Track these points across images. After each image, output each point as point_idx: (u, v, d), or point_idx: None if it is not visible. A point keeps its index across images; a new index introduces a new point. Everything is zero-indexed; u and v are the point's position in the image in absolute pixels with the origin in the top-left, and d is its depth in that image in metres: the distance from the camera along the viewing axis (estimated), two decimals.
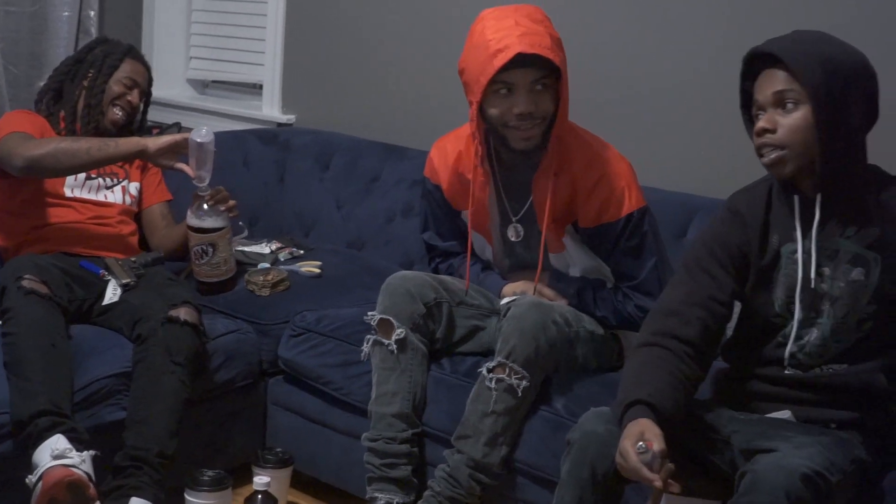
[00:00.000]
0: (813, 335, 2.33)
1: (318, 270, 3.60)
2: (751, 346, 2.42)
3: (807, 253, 2.30)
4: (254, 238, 3.88)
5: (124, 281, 3.16)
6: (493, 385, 2.69)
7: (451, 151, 2.99)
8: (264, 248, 3.75)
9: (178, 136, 3.20)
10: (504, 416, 2.70)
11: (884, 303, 2.28)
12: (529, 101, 2.72)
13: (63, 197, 3.33)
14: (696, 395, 2.39)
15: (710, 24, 3.38)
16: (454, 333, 2.98)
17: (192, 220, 3.30)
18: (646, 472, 2.08)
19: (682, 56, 3.44)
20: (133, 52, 3.56)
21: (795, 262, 2.31)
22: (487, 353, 2.94)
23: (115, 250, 3.32)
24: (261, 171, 4.21)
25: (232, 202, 3.33)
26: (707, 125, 3.35)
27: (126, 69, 3.48)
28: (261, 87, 4.71)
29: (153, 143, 3.16)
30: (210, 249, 3.30)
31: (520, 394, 2.68)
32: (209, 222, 3.29)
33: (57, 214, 3.30)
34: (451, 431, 2.82)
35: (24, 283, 2.89)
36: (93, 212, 3.37)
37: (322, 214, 4.11)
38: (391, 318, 2.86)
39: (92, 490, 2.62)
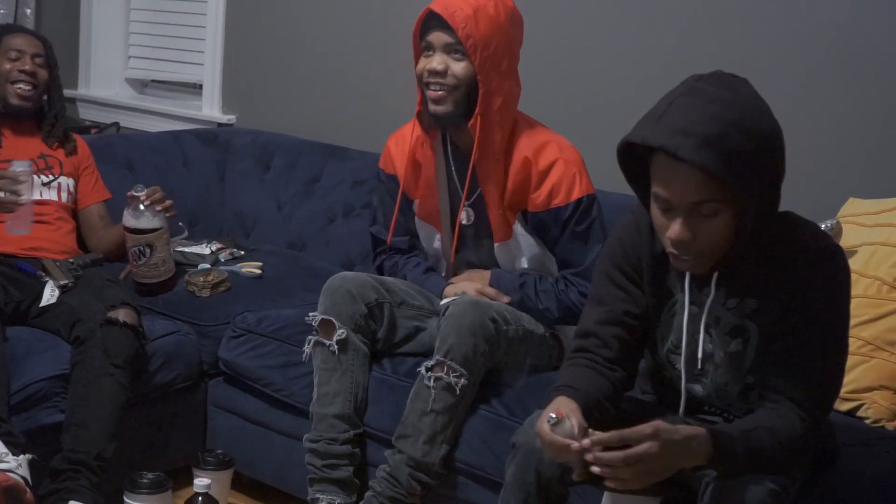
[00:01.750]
0: (697, 390, 2.31)
1: (258, 271, 3.59)
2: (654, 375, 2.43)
3: (692, 316, 2.24)
4: (194, 239, 3.85)
5: (62, 282, 3.12)
6: (431, 383, 2.70)
7: (409, 137, 2.99)
8: (204, 249, 3.73)
9: None
10: (443, 415, 2.71)
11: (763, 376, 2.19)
12: (440, 61, 2.79)
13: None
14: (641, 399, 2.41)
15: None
16: (395, 334, 2.98)
17: (128, 220, 3.27)
18: (558, 439, 2.00)
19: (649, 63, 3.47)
20: (11, 29, 3.53)
21: (681, 323, 2.26)
22: (429, 354, 2.92)
23: (53, 250, 3.28)
24: (201, 171, 4.19)
25: (168, 202, 3.29)
26: None
27: (7, 44, 3.42)
28: (200, 86, 4.68)
29: None
30: (148, 250, 3.27)
31: (458, 392, 2.69)
32: (145, 223, 3.26)
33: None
34: (392, 432, 2.82)
35: None
36: (41, 215, 3.32)
37: (263, 215, 4.09)
38: (333, 319, 2.86)
39: (29, 495, 2.58)
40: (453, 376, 2.68)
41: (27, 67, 3.38)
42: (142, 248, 3.27)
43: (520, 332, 2.83)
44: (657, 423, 1.96)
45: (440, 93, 2.81)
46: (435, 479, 2.75)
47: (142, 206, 3.25)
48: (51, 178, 3.41)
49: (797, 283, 2.11)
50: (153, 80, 5.08)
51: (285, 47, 4.35)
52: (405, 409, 2.76)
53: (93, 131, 4.65)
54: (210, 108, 4.60)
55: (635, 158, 2.10)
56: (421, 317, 2.99)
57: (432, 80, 2.81)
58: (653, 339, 2.33)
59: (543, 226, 2.88)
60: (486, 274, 2.96)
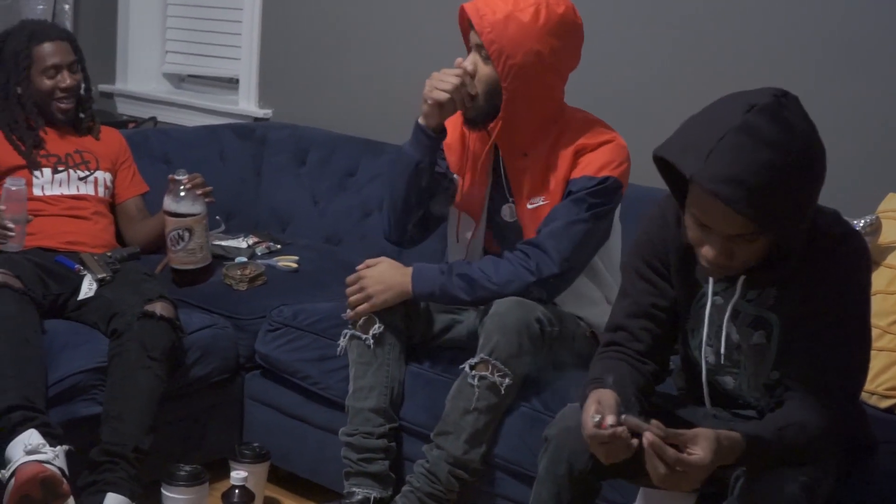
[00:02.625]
0: (728, 382, 2.29)
1: (294, 265, 3.60)
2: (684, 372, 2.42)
3: (716, 308, 2.23)
4: (230, 232, 3.87)
5: (100, 276, 3.14)
6: (475, 382, 2.68)
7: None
8: (241, 243, 3.75)
9: None
10: (485, 414, 2.70)
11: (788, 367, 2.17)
12: (472, 61, 2.77)
13: (33, 196, 3.29)
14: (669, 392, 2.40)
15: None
16: (432, 327, 2.97)
17: (169, 204, 3.30)
18: (605, 432, 1.98)
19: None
20: (36, 36, 3.42)
21: (704, 314, 2.24)
22: (465, 347, 2.93)
23: (90, 244, 3.30)
24: (237, 165, 4.20)
25: (208, 188, 3.33)
26: None
27: (40, 57, 3.38)
28: (237, 81, 4.70)
29: None
30: (186, 234, 3.29)
31: (502, 391, 2.68)
32: (185, 207, 3.29)
33: (30, 210, 3.26)
34: (428, 426, 2.82)
35: None
36: (67, 204, 3.35)
37: (298, 209, 4.10)
38: (372, 314, 2.86)
39: (65, 486, 2.60)
40: (498, 375, 2.67)
41: (67, 83, 3.40)
42: (180, 233, 3.29)
43: (563, 332, 2.81)
44: (706, 433, 1.96)
45: (465, 95, 2.79)
46: (473, 475, 2.75)
47: (182, 191, 3.27)
48: (87, 172, 3.44)
49: (816, 271, 2.10)
50: (190, 75, 5.11)
51: (321, 42, 4.36)
52: (446, 406, 2.75)
53: (130, 126, 4.67)
54: (246, 103, 4.62)
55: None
56: (457, 309, 2.98)
57: (466, 79, 2.78)
58: (683, 332, 2.33)
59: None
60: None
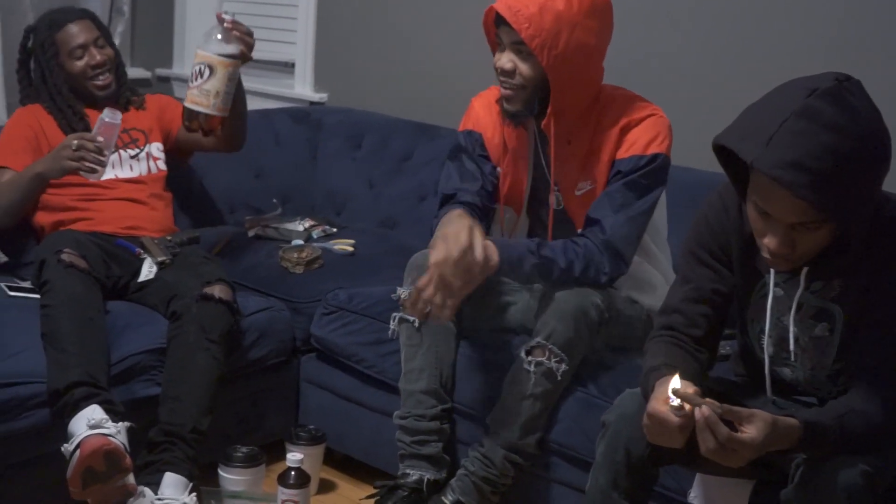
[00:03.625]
0: (787, 374, 2.27)
1: (350, 249, 3.61)
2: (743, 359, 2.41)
3: (777, 300, 2.20)
4: (287, 216, 3.89)
5: (160, 259, 3.17)
6: (531, 368, 2.67)
7: (493, 104, 2.91)
8: (297, 226, 3.77)
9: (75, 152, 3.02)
10: (541, 400, 2.70)
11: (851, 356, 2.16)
12: (508, 59, 2.72)
13: (102, 183, 3.29)
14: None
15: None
16: (484, 309, 2.96)
17: (201, 40, 3.16)
18: (673, 417, 1.97)
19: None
20: (56, 23, 3.39)
21: (766, 304, 2.22)
22: (519, 330, 2.94)
23: (150, 229, 3.32)
24: (293, 149, 4.22)
25: (250, 40, 3.17)
26: None
27: (64, 41, 3.36)
28: (293, 65, 4.71)
29: (46, 168, 3.09)
30: (206, 71, 3.11)
31: (559, 378, 2.67)
32: (215, 44, 3.11)
33: (89, 195, 3.30)
34: (481, 409, 2.83)
35: (64, 256, 2.91)
36: (123, 189, 3.36)
37: (354, 193, 4.11)
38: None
39: (128, 460, 2.63)
40: (554, 361, 2.66)
41: (97, 60, 3.36)
42: (201, 68, 3.11)
43: (620, 316, 2.81)
44: (763, 415, 1.95)
45: (509, 91, 2.76)
46: (528, 460, 2.75)
47: (219, 34, 3.11)
48: (137, 150, 3.44)
49: (880, 259, 2.07)
50: None
51: (377, 26, 4.36)
52: (503, 391, 2.75)
53: None
54: (302, 87, 4.63)
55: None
56: (511, 291, 2.97)
57: (502, 78, 2.76)
58: (742, 321, 2.31)
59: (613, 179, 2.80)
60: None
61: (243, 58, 3.16)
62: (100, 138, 3.02)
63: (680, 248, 2.39)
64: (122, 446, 2.62)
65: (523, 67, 2.72)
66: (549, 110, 2.74)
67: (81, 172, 3.02)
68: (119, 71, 3.49)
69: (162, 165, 3.49)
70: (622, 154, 2.76)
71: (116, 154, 3.35)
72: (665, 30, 3.57)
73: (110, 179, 3.34)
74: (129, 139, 3.44)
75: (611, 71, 2.84)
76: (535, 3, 2.63)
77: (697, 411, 1.94)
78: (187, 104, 3.15)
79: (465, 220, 2.61)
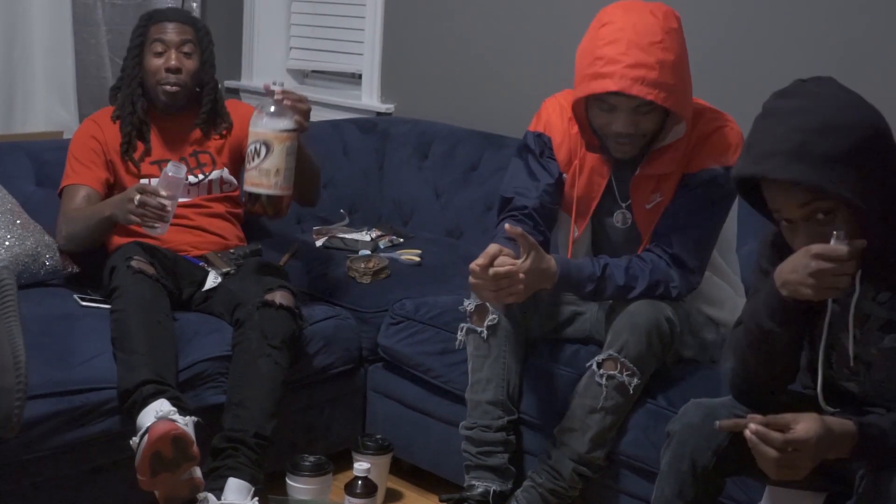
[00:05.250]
0: (852, 388, 2.23)
1: (417, 259, 3.62)
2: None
3: (835, 315, 2.17)
4: (354, 226, 3.91)
5: (224, 270, 3.18)
6: (603, 381, 2.65)
7: (567, 109, 2.86)
8: (364, 236, 3.78)
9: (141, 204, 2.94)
10: (612, 414, 2.68)
11: None
12: (629, 124, 2.64)
13: None
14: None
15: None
16: (553, 319, 2.95)
17: (253, 117, 3.01)
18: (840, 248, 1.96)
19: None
20: (155, 17, 3.29)
21: (822, 318, 2.19)
22: (587, 340, 2.93)
23: (214, 248, 3.30)
24: (360, 159, 4.24)
25: (303, 105, 3.00)
26: None
27: (152, 34, 3.25)
28: (360, 76, 4.73)
29: (113, 213, 3.04)
30: (263, 150, 2.95)
31: (630, 392, 2.65)
32: (269, 121, 2.97)
33: None
34: (548, 420, 2.82)
35: (133, 263, 2.94)
36: (182, 213, 3.23)
37: (421, 203, 4.12)
38: (486, 304, 2.84)
39: (195, 448, 2.64)
40: (626, 375, 2.64)
41: (172, 63, 3.22)
42: (257, 147, 2.95)
43: (690, 329, 2.79)
44: (808, 414, 1.96)
45: (626, 147, 2.70)
46: (597, 472, 2.73)
47: (272, 107, 2.96)
48: (201, 176, 3.33)
49: None
50: (314, 71, 5.17)
51: (443, 37, 4.37)
52: (571, 403, 2.73)
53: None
54: (369, 98, 4.65)
55: (754, 187, 2.11)
56: (579, 301, 2.95)
57: (621, 140, 2.68)
58: (810, 335, 2.28)
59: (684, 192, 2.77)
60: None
61: (300, 127, 3.01)
62: (163, 193, 2.94)
63: (754, 263, 2.38)
64: (189, 433, 2.63)
65: (646, 123, 2.66)
66: (685, 142, 2.73)
67: (144, 227, 2.98)
68: (208, 94, 3.32)
69: (229, 188, 3.39)
70: (693, 168, 2.74)
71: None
72: (741, 39, 3.54)
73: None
74: (196, 163, 3.33)
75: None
76: (653, 66, 2.56)
77: (747, 431, 1.96)
78: (247, 187, 3.01)
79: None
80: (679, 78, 2.62)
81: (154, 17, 3.29)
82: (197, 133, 3.35)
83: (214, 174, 3.34)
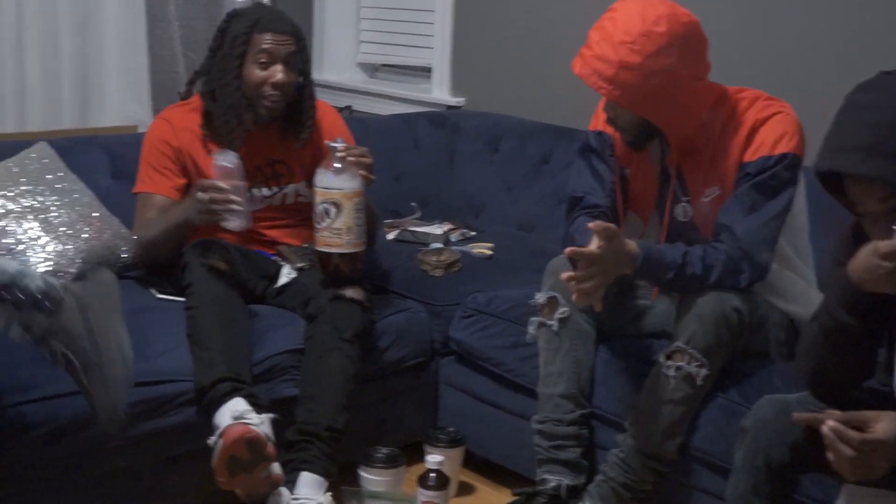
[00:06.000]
0: None
1: (489, 252, 3.62)
2: None
3: None
4: (425, 219, 3.93)
5: (297, 265, 3.20)
6: (671, 373, 2.64)
7: None
8: (436, 229, 3.80)
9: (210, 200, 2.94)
10: (681, 405, 2.66)
11: None
12: (609, 108, 2.77)
13: None
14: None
15: None
16: (624, 313, 2.94)
17: (318, 176, 3.01)
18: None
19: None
20: (260, 24, 3.12)
21: None
22: (658, 334, 2.91)
23: (289, 242, 3.29)
24: (431, 153, 4.25)
25: (366, 160, 3.00)
26: None
27: (256, 44, 3.10)
28: (430, 70, 4.74)
29: (193, 214, 3.01)
30: (332, 210, 2.97)
31: (699, 382, 2.64)
32: (336, 180, 2.97)
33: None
34: (621, 414, 2.81)
35: (207, 260, 2.96)
36: (264, 234, 3.24)
37: (491, 197, 4.13)
38: (557, 295, 2.84)
39: (270, 448, 2.67)
40: (694, 366, 2.63)
41: (279, 78, 3.09)
42: (327, 207, 2.97)
43: (760, 321, 2.76)
44: (889, 413, 1.95)
45: (618, 134, 2.82)
46: (668, 466, 2.72)
47: (336, 163, 2.97)
48: (275, 189, 3.25)
49: None
50: (384, 65, 5.19)
51: (514, 30, 4.37)
52: (641, 396, 2.73)
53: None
54: (439, 91, 4.66)
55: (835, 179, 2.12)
56: (649, 295, 2.94)
57: (609, 123, 2.82)
58: (890, 331, 2.25)
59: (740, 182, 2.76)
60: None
61: (366, 181, 3.01)
62: (220, 184, 2.93)
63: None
64: (262, 435, 2.65)
65: (624, 116, 2.74)
66: (668, 142, 2.75)
67: (223, 223, 2.98)
68: (301, 100, 3.22)
69: (304, 199, 3.27)
70: (749, 156, 2.72)
71: (249, 193, 3.13)
72: (798, 28, 3.50)
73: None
74: (272, 173, 3.25)
75: (736, 71, 2.79)
76: (611, 65, 2.62)
77: (824, 427, 1.95)
78: (320, 247, 3.02)
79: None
80: (644, 80, 2.61)
81: (259, 25, 3.11)
82: (278, 143, 3.25)
83: (290, 188, 3.27)
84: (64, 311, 2.40)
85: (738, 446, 2.30)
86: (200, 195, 2.95)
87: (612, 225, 2.57)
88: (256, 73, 3.11)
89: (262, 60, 3.10)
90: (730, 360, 2.72)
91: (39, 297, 2.39)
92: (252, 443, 2.63)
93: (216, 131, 3.16)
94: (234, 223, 2.98)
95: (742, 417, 2.36)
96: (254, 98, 3.13)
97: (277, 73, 3.10)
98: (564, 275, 2.59)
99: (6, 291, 2.38)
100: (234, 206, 2.94)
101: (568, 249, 2.59)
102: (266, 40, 3.10)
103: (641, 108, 2.68)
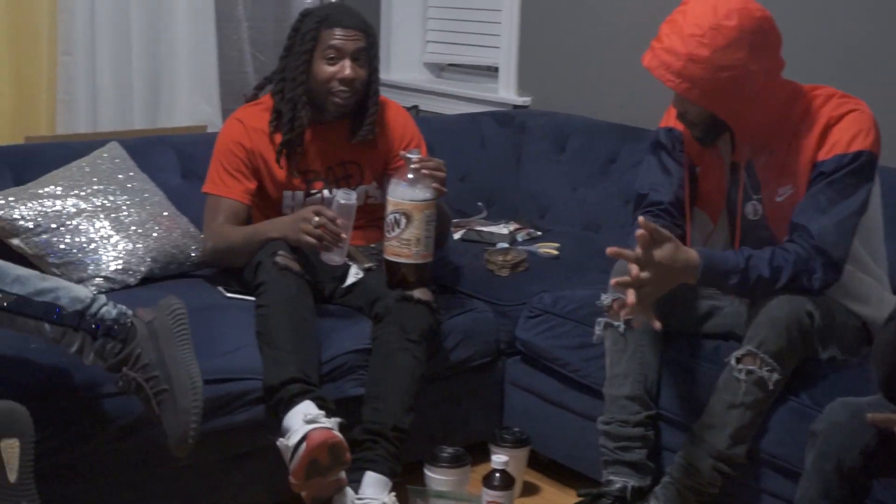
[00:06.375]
0: None
1: (555, 252, 3.61)
2: None
3: None
4: (491, 219, 3.92)
5: (365, 265, 3.21)
6: (742, 376, 2.61)
7: None
8: (502, 229, 3.79)
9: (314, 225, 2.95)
10: (751, 409, 2.63)
11: None
12: (678, 102, 2.76)
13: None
14: None
15: None
16: (691, 314, 2.92)
17: (391, 185, 3.04)
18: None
19: None
20: (329, 19, 3.13)
21: None
22: (727, 335, 2.89)
23: (358, 241, 3.28)
24: (497, 152, 4.25)
25: (440, 174, 3.01)
26: None
27: (325, 40, 3.12)
28: (496, 69, 4.74)
29: (293, 234, 3.00)
30: (403, 220, 2.98)
31: (770, 387, 2.60)
32: (409, 191, 2.98)
33: None
34: (687, 416, 2.79)
35: (279, 259, 2.97)
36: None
37: (558, 196, 4.11)
38: (624, 297, 2.82)
39: (349, 454, 2.69)
40: (765, 370, 2.59)
41: (347, 74, 3.09)
42: (397, 217, 2.99)
43: (833, 324, 2.72)
44: None
45: (687, 128, 2.81)
46: (736, 470, 2.69)
47: (410, 174, 2.99)
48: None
49: None
50: (450, 64, 5.20)
51: (580, 29, 4.35)
52: (711, 398, 2.70)
53: None
54: (506, 91, 4.66)
55: None
56: (718, 296, 2.91)
57: (679, 119, 2.81)
58: None
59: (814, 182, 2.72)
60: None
61: (438, 193, 3.02)
62: (339, 221, 2.96)
63: None
64: (344, 441, 2.68)
65: (692, 111, 2.72)
66: (735, 138, 2.73)
67: (321, 253, 3.00)
68: (368, 100, 3.21)
69: (374, 201, 3.29)
70: (824, 155, 2.69)
71: (319, 194, 3.22)
72: (874, 26, 3.46)
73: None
74: (343, 174, 3.26)
75: (811, 69, 2.77)
76: (679, 58, 2.61)
77: None
78: (388, 256, 3.03)
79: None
80: (713, 74, 2.59)
81: (327, 21, 3.12)
82: (349, 144, 3.24)
83: (360, 189, 3.26)
84: (135, 339, 2.46)
85: (808, 450, 2.28)
86: (311, 219, 2.95)
87: (658, 227, 2.54)
88: (324, 69, 3.12)
89: (331, 56, 3.11)
90: (801, 363, 2.69)
91: (112, 325, 2.45)
92: (334, 448, 2.65)
93: (281, 130, 3.17)
94: (330, 257, 3.01)
95: (812, 421, 2.33)
96: (322, 94, 3.14)
97: (346, 68, 3.11)
98: (614, 280, 2.58)
99: (80, 320, 2.43)
100: (341, 245, 2.98)
101: (609, 249, 2.57)
102: (335, 36, 3.11)
103: (709, 102, 2.66)
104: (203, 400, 2.44)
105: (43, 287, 2.45)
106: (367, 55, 3.16)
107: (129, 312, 2.51)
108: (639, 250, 2.53)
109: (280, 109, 3.18)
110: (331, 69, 3.11)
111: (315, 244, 2.97)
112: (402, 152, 3.07)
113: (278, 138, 3.18)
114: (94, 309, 2.46)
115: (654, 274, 2.53)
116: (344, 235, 2.97)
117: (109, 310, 2.48)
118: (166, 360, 2.44)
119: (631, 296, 2.54)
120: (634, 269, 2.53)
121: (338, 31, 3.11)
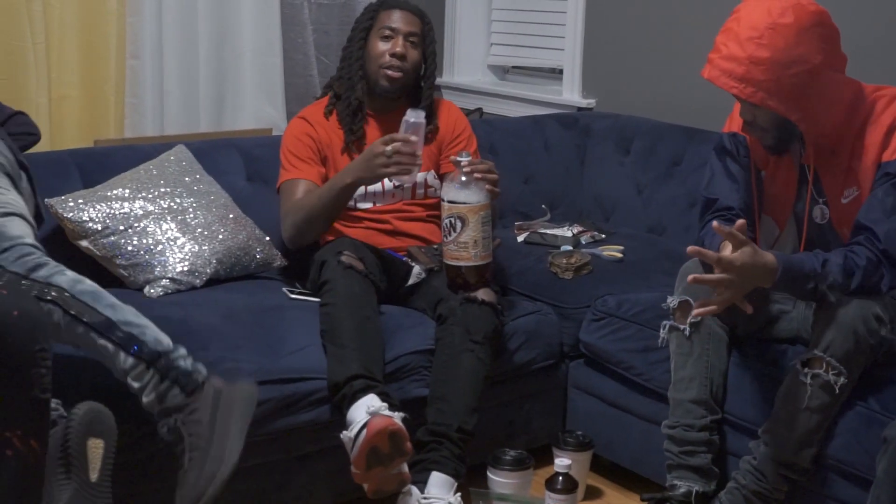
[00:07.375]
0: None
1: (619, 255, 3.59)
2: None
3: None
4: (555, 221, 3.91)
5: (428, 266, 3.22)
6: (808, 381, 2.58)
7: None
8: (566, 231, 3.78)
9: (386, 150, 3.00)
10: (818, 414, 2.60)
11: None
12: (745, 111, 2.71)
13: (358, 210, 3.31)
14: None
15: None
16: (758, 318, 2.88)
17: (444, 189, 3.08)
18: None
19: None
20: (387, 3, 3.31)
21: None
22: (793, 340, 2.86)
23: (418, 240, 3.34)
24: (561, 155, 4.24)
25: (492, 176, 3.05)
26: None
27: (381, 19, 3.28)
28: (561, 71, 4.73)
29: (357, 177, 3.09)
30: (458, 224, 3.00)
31: (837, 391, 2.57)
32: (462, 194, 3.01)
33: (357, 219, 3.32)
34: (754, 421, 2.76)
35: (343, 258, 2.99)
36: (380, 219, 3.31)
37: (622, 199, 4.10)
38: (690, 299, 2.80)
39: (409, 443, 2.70)
40: (832, 374, 2.56)
41: (398, 49, 3.23)
42: (453, 221, 3.01)
43: None
44: None
45: (757, 137, 2.77)
46: (803, 476, 2.66)
47: (462, 177, 3.01)
48: (399, 182, 3.29)
49: None
50: (514, 67, 5.19)
51: (645, 31, 4.33)
52: (776, 403, 2.68)
53: None
54: (570, 93, 4.64)
55: None
56: (785, 299, 2.88)
57: (746, 127, 2.78)
58: None
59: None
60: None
61: (492, 195, 3.06)
62: (413, 138, 3.00)
63: None
64: (404, 429, 2.68)
65: (762, 116, 2.68)
66: (805, 141, 2.69)
67: (397, 179, 3.10)
68: (427, 91, 3.33)
69: (433, 193, 3.36)
70: (889, 156, 2.66)
71: (380, 182, 3.25)
72: None
73: (367, 209, 3.31)
74: None
75: (872, 69, 2.73)
76: (740, 63, 2.58)
77: None
78: (447, 261, 3.07)
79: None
80: (778, 74, 2.55)
81: (385, 4, 3.31)
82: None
83: (419, 176, 3.32)
84: (199, 397, 2.49)
85: (880, 457, 2.25)
86: (384, 151, 2.99)
87: (733, 230, 2.52)
88: (379, 46, 3.26)
89: (386, 35, 3.26)
90: (869, 367, 2.65)
91: (184, 375, 2.48)
92: (394, 436, 2.66)
93: (337, 109, 3.30)
94: (407, 178, 3.08)
95: (881, 426, 2.30)
96: (374, 71, 3.27)
97: (398, 44, 3.24)
98: (691, 277, 2.56)
99: (157, 359, 2.47)
100: (416, 162, 3.02)
101: (690, 248, 2.55)
102: (391, 17, 3.27)
103: (776, 103, 2.60)
104: (229, 476, 2.43)
105: (132, 320, 2.50)
106: (422, 40, 3.30)
107: (205, 372, 2.54)
108: (727, 250, 2.52)
109: (337, 93, 3.32)
110: (384, 46, 3.25)
111: (393, 172, 3.01)
112: (451, 157, 3.11)
113: (334, 119, 3.30)
114: (173, 356, 2.50)
115: (735, 276, 2.52)
116: (418, 151, 3.01)
117: (187, 361, 2.52)
118: (216, 427, 2.46)
119: (699, 306, 2.55)
120: (728, 248, 2.53)
121: (396, 13, 3.27)
